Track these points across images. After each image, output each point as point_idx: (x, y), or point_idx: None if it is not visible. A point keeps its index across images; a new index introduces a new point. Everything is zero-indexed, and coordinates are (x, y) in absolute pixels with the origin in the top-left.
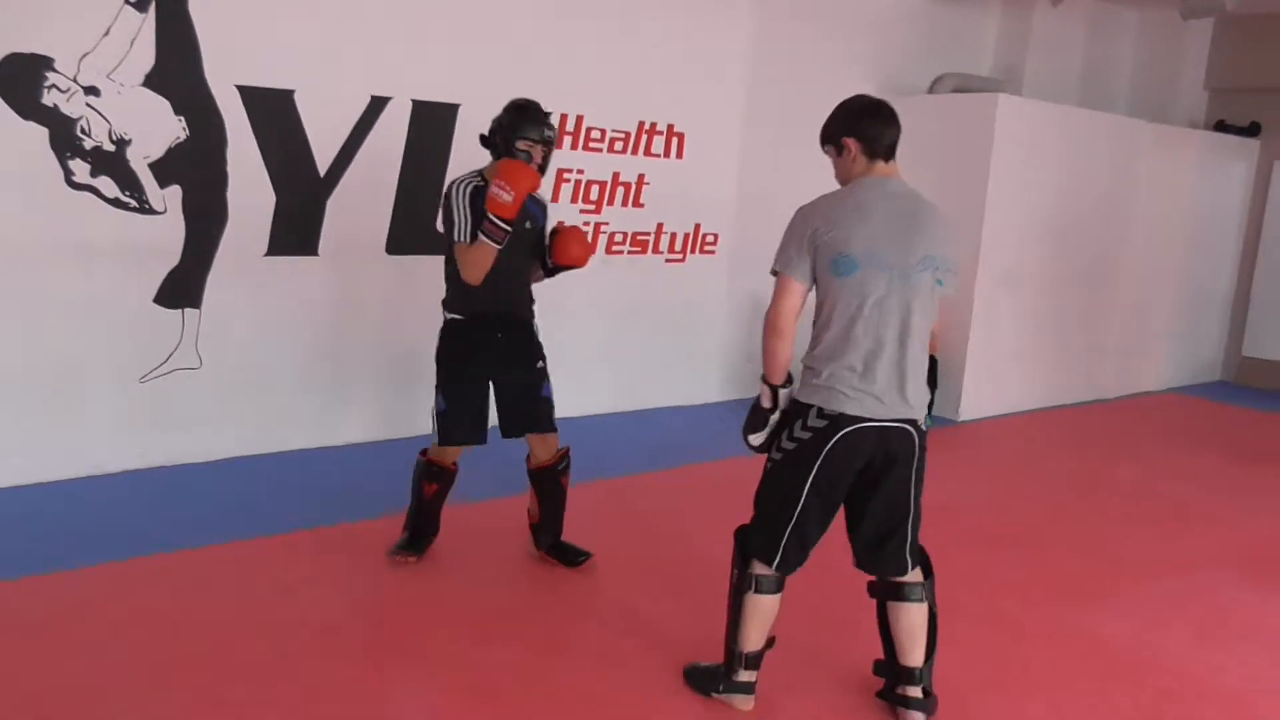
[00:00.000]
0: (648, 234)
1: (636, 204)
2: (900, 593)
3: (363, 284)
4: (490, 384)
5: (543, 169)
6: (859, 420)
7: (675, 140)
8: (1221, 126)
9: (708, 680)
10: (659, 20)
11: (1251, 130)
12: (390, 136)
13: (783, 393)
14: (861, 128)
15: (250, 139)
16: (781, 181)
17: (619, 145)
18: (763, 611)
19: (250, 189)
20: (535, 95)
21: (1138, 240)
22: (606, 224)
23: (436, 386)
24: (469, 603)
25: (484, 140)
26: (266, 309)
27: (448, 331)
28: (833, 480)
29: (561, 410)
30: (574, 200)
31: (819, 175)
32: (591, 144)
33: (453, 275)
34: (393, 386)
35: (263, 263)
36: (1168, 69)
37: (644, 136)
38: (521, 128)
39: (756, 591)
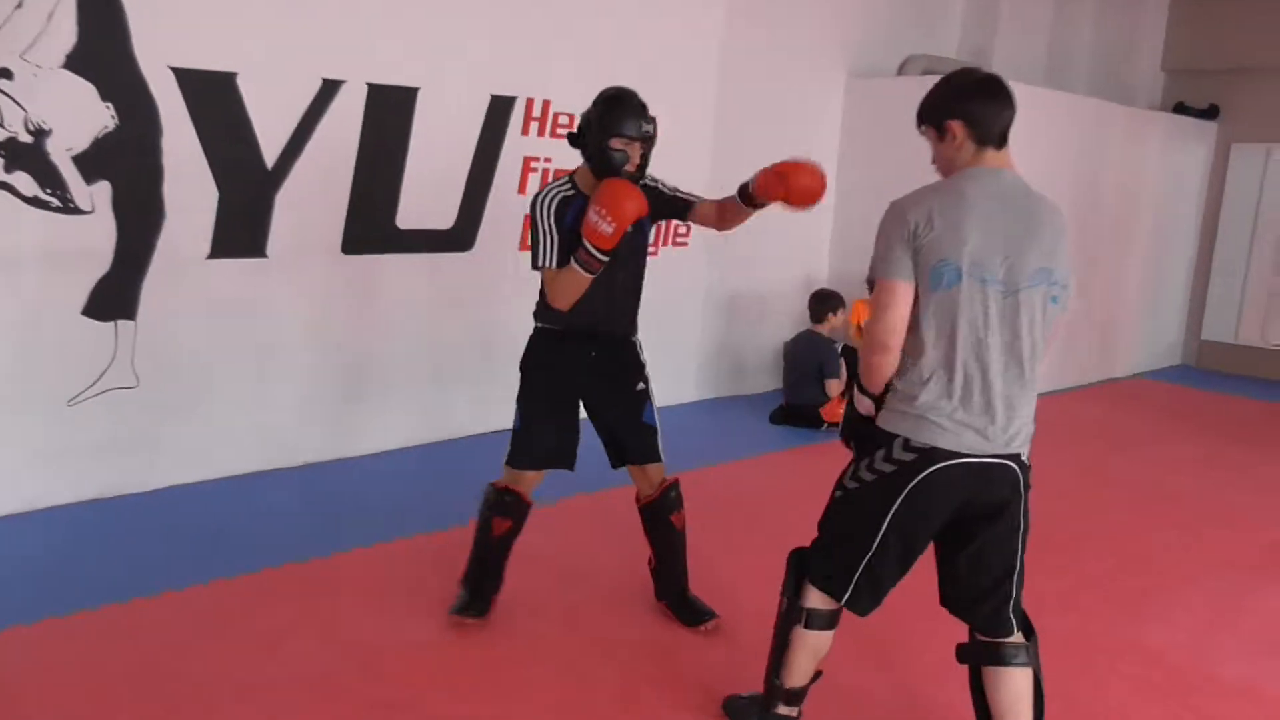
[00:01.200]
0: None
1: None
2: (1000, 656)
3: (317, 288)
4: (581, 405)
5: (642, 169)
6: (954, 456)
7: None
8: (1181, 109)
9: (746, 713)
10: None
11: (1210, 113)
12: (344, 124)
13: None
14: (970, 108)
15: (188, 128)
16: (754, 169)
17: None
18: (811, 648)
19: (189, 184)
20: (499, 77)
21: (1106, 224)
22: None
23: (516, 400)
24: (478, 645)
25: (572, 139)
26: (211, 319)
27: (536, 341)
28: (917, 521)
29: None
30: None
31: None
32: (559, 129)
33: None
34: (354, 400)
35: (205, 267)
36: (1126, 51)
37: None
38: (615, 124)
39: (807, 627)
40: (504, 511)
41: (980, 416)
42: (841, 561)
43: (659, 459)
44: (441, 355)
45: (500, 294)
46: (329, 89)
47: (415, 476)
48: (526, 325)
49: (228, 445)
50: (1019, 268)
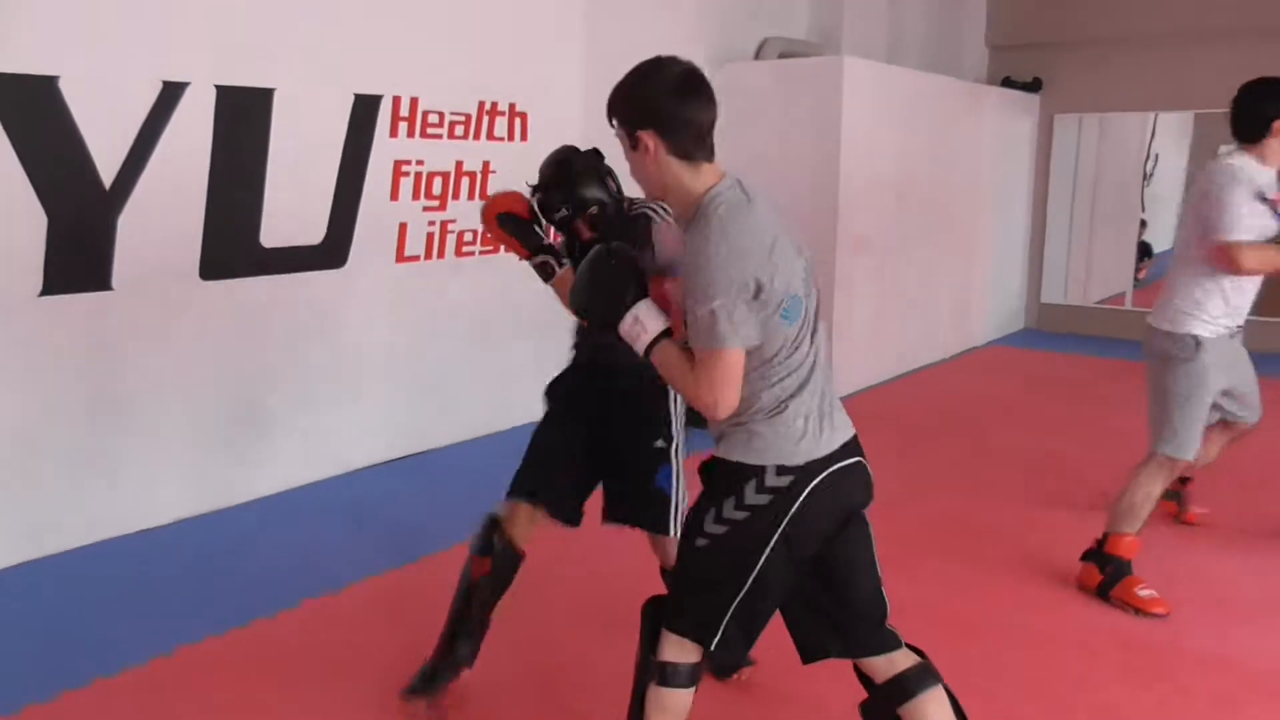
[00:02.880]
0: None
1: (484, 196)
2: (908, 687)
3: (175, 320)
4: (593, 446)
5: (604, 218)
6: (830, 462)
7: (518, 121)
8: (1008, 83)
9: None
10: None
11: (1034, 86)
12: (192, 132)
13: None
14: (668, 115)
15: (2, 142)
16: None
17: (460, 129)
18: (670, 710)
19: (10, 209)
20: (362, 75)
21: (960, 197)
22: (453, 222)
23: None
24: None
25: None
26: (44, 365)
27: (565, 370)
28: (805, 544)
29: (421, 444)
30: (416, 196)
31: None
32: (430, 129)
33: None
34: (221, 447)
35: (37, 305)
36: (953, 27)
37: (485, 118)
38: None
39: (662, 684)
40: (483, 549)
41: (827, 411)
42: (710, 603)
43: (668, 532)
44: (318, 383)
45: (376, 311)
46: (171, 93)
47: (300, 529)
48: (405, 344)
49: (67, 517)
50: (807, 273)
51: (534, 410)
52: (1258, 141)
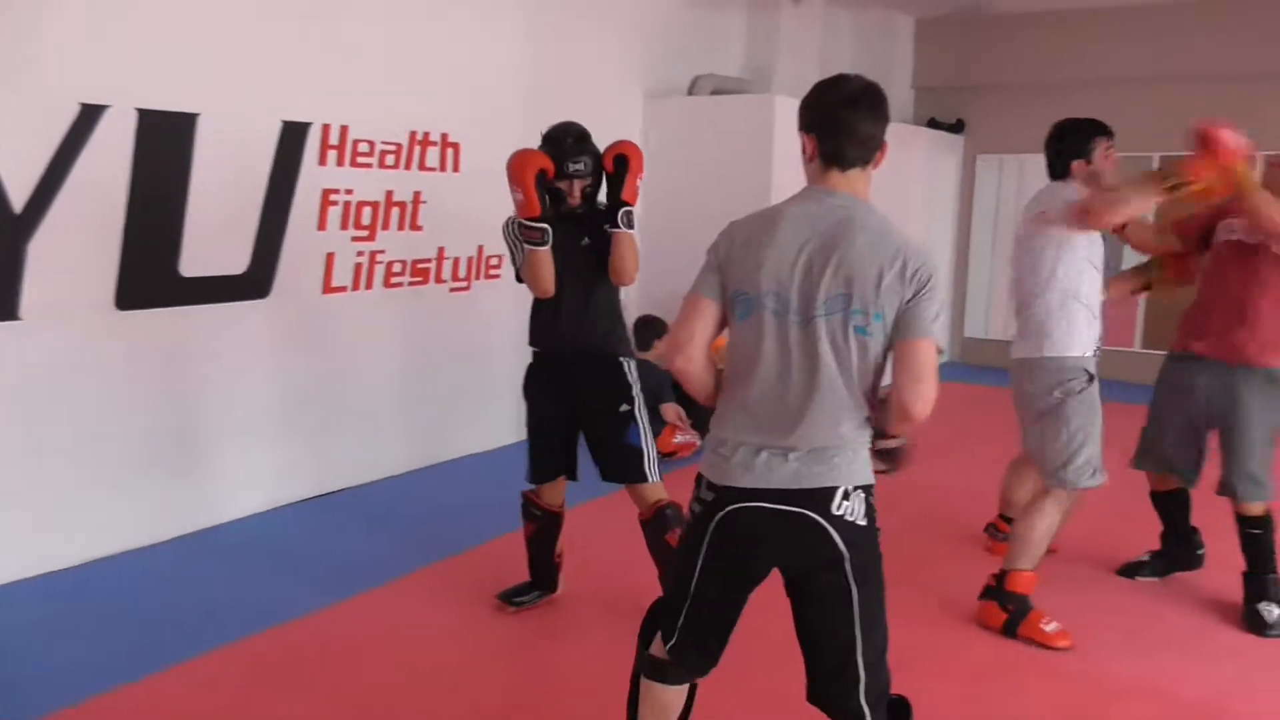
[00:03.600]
0: (429, 261)
1: (414, 227)
2: None
3: (89, 352)
4: (575, 421)
5: (590, 201)
6: (749, 496)
7: (451, 151)
8: (933, 123)
9: None
10: (422, 18)
11: (957, 127)
12: (111, 156)
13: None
14: (820, 120)
15: None
16: None
17: (390, 159)
18: (654, 706)
19: None
20: (291, 101)
21: None
22: (383, 252)
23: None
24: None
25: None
26: None
27: (528, 368)
28: (723, 572)
29: (351, 479)
30: (344, 226)
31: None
32: (360, 159)
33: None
34: (141, 483)
35: None
36: (881, 69)
37: (417, 149)
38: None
39: (648, 676)
40: (528, 516)
41: (772, 452)
42: (670, 606)
43: (645, 479)
44: (240, 416)
45: (301, 342)
46: (89, 115)
47: (224, 567)
48: (334, 376)
49: None
50: (812, 293)
51: (469, 442)
52: (1066, 179)
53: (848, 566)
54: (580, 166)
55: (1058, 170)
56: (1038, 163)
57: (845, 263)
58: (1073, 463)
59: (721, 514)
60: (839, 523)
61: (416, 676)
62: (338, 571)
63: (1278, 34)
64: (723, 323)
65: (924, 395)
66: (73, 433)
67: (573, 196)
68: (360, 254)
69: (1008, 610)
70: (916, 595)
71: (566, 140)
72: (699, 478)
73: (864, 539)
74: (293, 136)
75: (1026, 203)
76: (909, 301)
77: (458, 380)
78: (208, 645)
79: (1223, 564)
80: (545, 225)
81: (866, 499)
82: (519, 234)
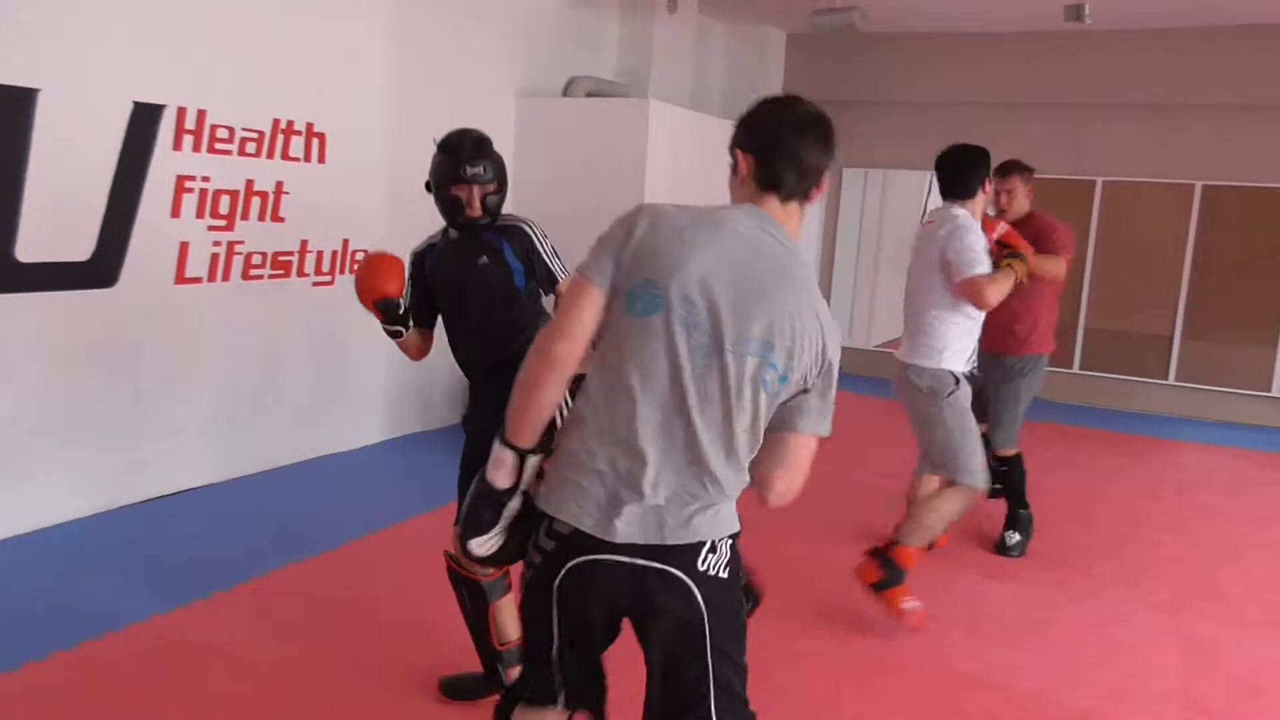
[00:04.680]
0: (291, 254)
1: (276, 218)
2: None
3: None
4: None
5: (491, 210)
6: (600, 547)
7: (316, 142)
8: None
9: None
10: (289, 4)
11: None
12: None
13: (532, 462)
14: (765, 141)
15: None
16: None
17: (251, 147)
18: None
19: None
20: (143, 81)
21: None
22: (241, 243)
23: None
24: None
25: (427, 187)
26: None
27: (469, 390)
28: (575, 623)
29: (204, 478)
30: (200, 215)
31: None
32: (218, 145)
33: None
34: None
35: None
36: (752, 80)
37: (280, 137)
38: (444, 171)
39: (522, 702)
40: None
41: (638, 495)
42: (530, 653)
43: None
44: (81, 413)
45: (149, 335)
46: None
47: (58, 569)
48: (186, 371)
49: None
50: (733, 325)
51: (327, 441)
52: (968, 199)
53: (707, 626)
54: (479, 170)
55: (964, 191)
56: (902, 177)
57: (775, 311)
58: (960, 457)
59: (567, 568)
60: (703, 580)
61: (259, 680)
62: (182, 574)
63: (1130, 66)
64: (600, 319)
65: (793, 490)
66: None
67: (472, 206)
68: (217, 244)
69: (883, 573)
70: (780, 595)
71: (465, 144)
72: (537, 514)
73: (726, 593)
74: (145, 118)
75: (931, 215)
76: (814, 388)
77: (318, 377)
78: (39, 652)
79: (1060, 561)
80: (400, 327)
81: (733, 547)
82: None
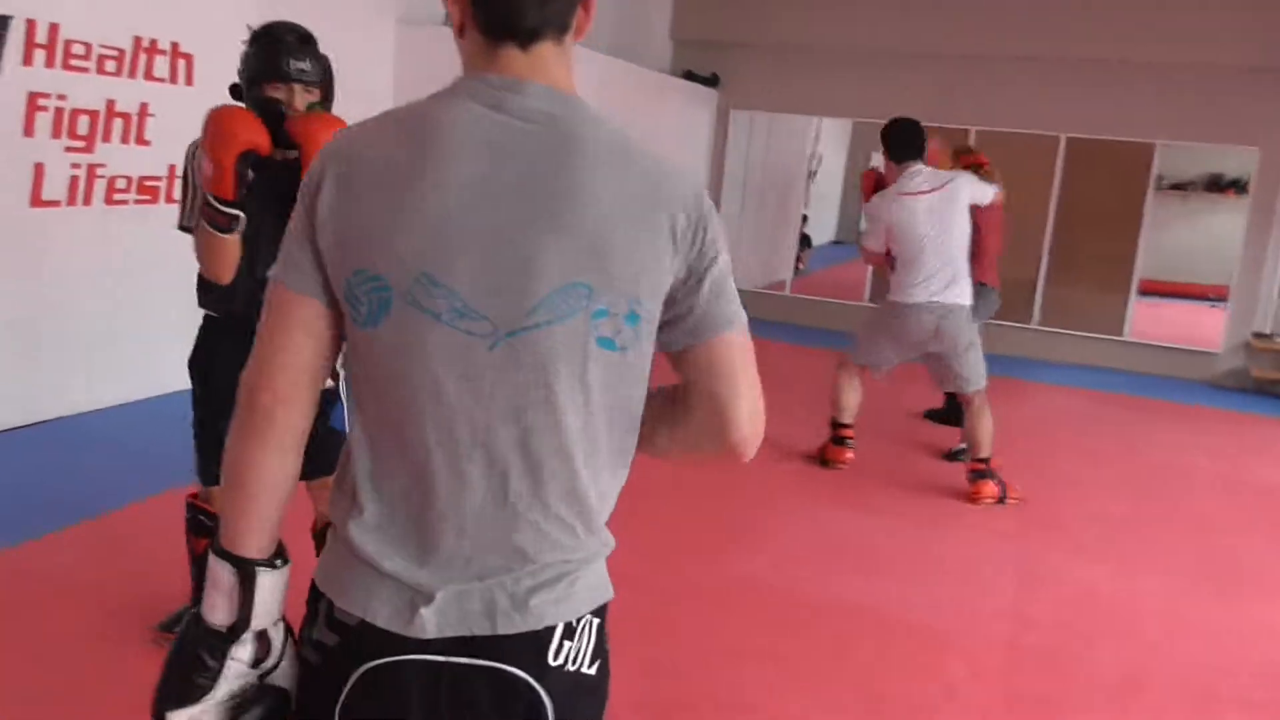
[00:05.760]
0: (158, 179)
1: (140, 141)
2: None
3: None
4: None
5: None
6: (403, 646)
7: (183, 63)
8: (689, 76)
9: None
10: None
11: (712, 81)
12: None
13: (268, 580)
14: None
15: None
16: None
17: (110, 65)
18: None
19: None
20: None
21: None
22: (104, 166)
23: (192, 405)
24: None
25: (232, 91)
26: None
27: (201, 333)
28: None
29: (55, 410)
30: (56, 134)
31: (352, 115)
32: (74, 61)
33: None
34: None
35: None
36: (641, 18)
37: (143, 56)
38: (262, 66)
39: None
40: (199, 530)
41: (435, 559)
42: None
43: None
44: None
45: (4, 261)
46: None
47: None
48: (41, 298)
49: None
50: (515, 287)
51: (185, 375)
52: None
53: None
54: (305, 66)
55: (919, 155)
56: (787, 122)
57: (574, 222)
58: (981, 365)
59: (358, 672)
60: (556, 676)
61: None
62: (42, 505)
63: (1017, 18)
64: (336, 334)
65: (752, 412)
66: None
67: (294, 109)
68: (76, 166)
69: (997, 490)
70: (661, 519)
71: (287, 36)
72: (314, 594)
73: (589, 693)
74: None
75: (920, 183)
76: (695, 277)
77: (180, 310)
78: None
79: (922, 494)
80: (238, 212)
81: (599, 628)
82: (203, 212)
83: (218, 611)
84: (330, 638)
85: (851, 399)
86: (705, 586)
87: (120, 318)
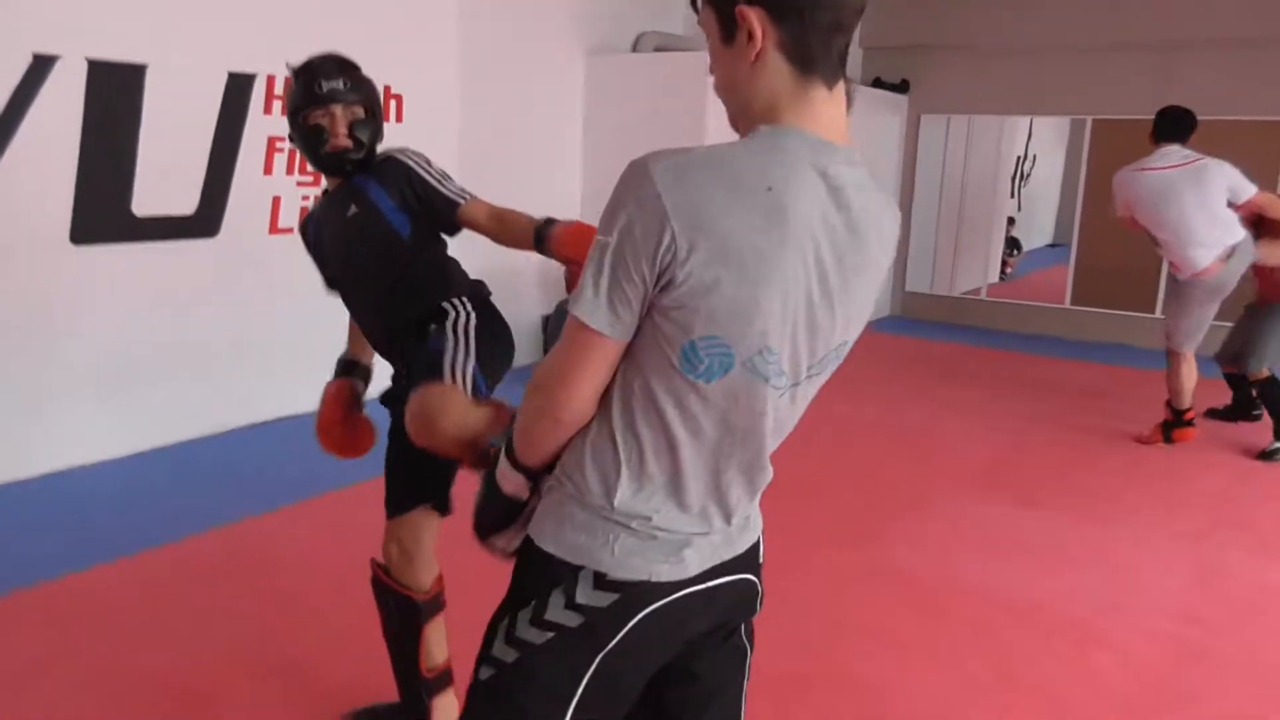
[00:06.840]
0: None
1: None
2: None
3: (46, 283)
4: None
5: (362, 142)
6: (676, 587)
7: (394, 103)
8: (878, 83)
9: None
10: None
11: (902, 87)
12: (62, 105)
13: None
14: None
15: None
16: (506, 148)
17: None
18: None
19: None
20: (236, 53)
21: None
22: None
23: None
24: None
25: (290, 139)
26: None
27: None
28: (616, 701)
29: (272, 412)
30: (289, 171)
31: (544, 142)
32: None
33: None
34: (96, 402)
35: None
36: None
37: None
38: (300, 96)
39: None
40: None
41: (700, 520)
42: None
43: (441, 374)
44: (187, 350)
45: (249, 282)
46: (41, 66)
47: (178, 477)
48: (275, 314)
49: None
50: (816, 346)
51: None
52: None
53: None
54: (338, 85)
55: (1187, 138)
56: (987, 123)
57: (854, 286)
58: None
59: (632, 624)
60: (760, 578)
61: (338, 582)
62: (284, 487)
63: (1204, 3)
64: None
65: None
66: (21, 365)
67: (336, 135)
68: (305, 198)
69: (1191, 429)
70: (805, 510)
71: (323, 64)
72: (561, 570)
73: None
74: (238, 87)
75: (1176, 160)
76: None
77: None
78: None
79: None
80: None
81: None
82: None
83: (511, 489)
84: (602, 599)
85: (1188, 383)
86: (850, 571)
87: (341, 331)
